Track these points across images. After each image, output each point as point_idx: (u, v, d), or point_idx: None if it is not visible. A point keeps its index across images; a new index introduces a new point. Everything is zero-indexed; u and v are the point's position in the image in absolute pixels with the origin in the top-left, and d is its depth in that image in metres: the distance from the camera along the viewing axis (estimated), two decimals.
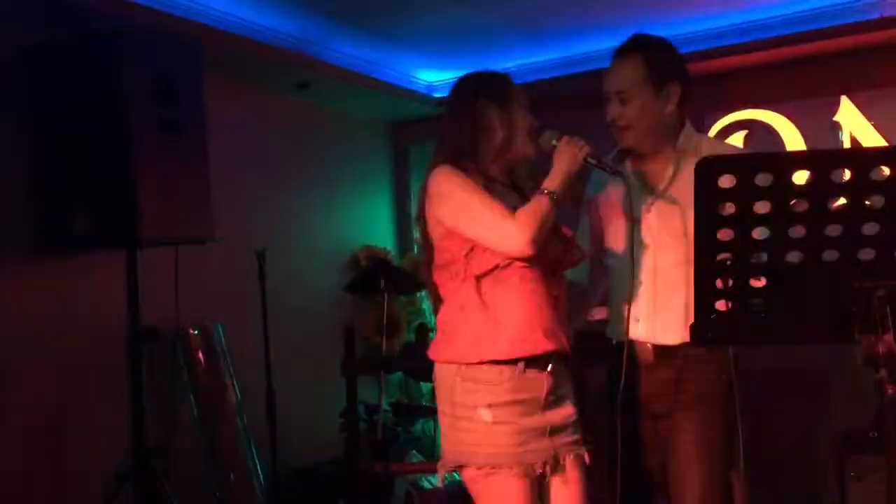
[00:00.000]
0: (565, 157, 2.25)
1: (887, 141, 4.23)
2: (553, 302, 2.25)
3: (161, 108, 3.02)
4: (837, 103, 4.37)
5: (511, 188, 2.35)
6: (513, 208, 2.19)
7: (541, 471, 2.18)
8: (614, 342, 2.43)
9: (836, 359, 3.32)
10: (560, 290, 2.30)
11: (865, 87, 4.33)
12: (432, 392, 4.82)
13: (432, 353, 2.27)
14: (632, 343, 2.34)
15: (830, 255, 1.47)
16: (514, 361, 2.15)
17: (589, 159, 2.27)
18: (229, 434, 3.65)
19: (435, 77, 5.06)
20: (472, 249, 2.19)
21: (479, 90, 2.32)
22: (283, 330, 3.82)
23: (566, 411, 2.24)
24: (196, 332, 3.65)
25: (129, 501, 2.98)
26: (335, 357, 3.57)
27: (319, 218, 4.73)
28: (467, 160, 2.25)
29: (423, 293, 4.95)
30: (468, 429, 2.17)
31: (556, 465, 2.21)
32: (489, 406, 2.15)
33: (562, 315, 2.28)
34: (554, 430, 2.20)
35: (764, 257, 1.49)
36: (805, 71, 4.47)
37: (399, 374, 4.81)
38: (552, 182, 2.21)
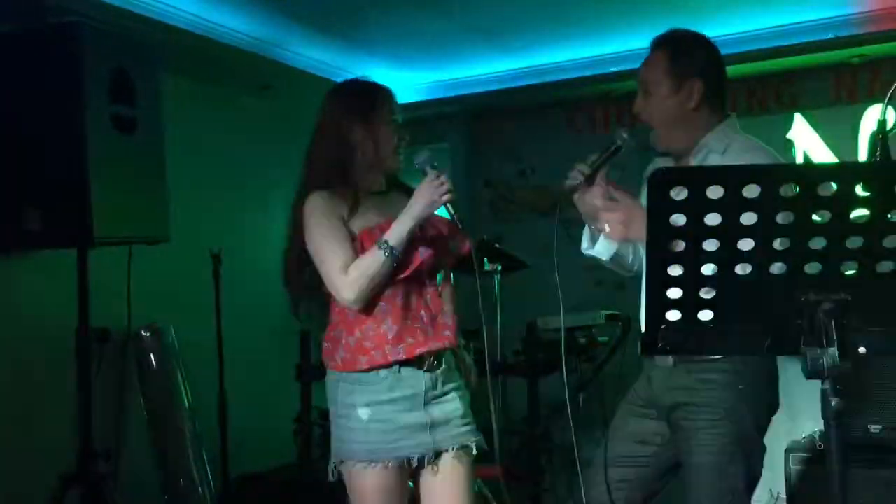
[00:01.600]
0: (422, 200, 2.27)
1: (839, 157, 4.33)
2: (430, 305, 2.36)
3: (117, 107, 2.98)
4: (791, 120, 4.46)
5: (396, 188, 2.43)
6: (393, 214, 2.28)
7: (416, 464, 2.29)
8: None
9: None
10: (444, 287, 2.41)
11: (818, 105, 4.43)
12: None
13: (324, 360, 2.39)
14: None
15: (778, 269, 1.49)
16: (388, 365, 2.27)
17: (449, 207, 2.30)
18: (180, 438, 3.61)
19: (398, 82, 5.06)
20: None
21: (342, 107, 2.38)
22: (237, 333, 3.78)
23: (451, 406, 2.35)
24: (148, 333, 3.60)
25: None
26: (290, 361, 3.55)
27: (278, 220, 4.68)
28: (338, 180, 2.33)
29: None
30: (347, 426, 2.29)
31: (437, 458, 2.32)
32: (367, 405, 2.27)
33: (443, 314, 2.38)
34: (435, 425, 2.31)
35: (713, 269, 1.51)
36: (759, 88, 4.57)
37: None
38: (394, 236, 2.23)
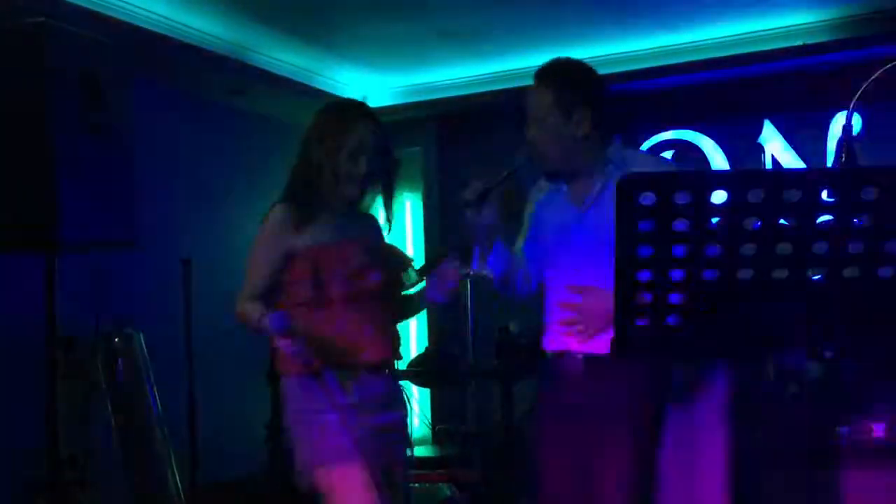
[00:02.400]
0: (274, 325, 2.28)
1: (807, 164, 4.38)
2: (380, 320, 2.43)
3: (86, 109, 2.93)
4: (761, 126, 4.51)
5: (362, 212, 2.50)
6: (355, 235, 2.39)
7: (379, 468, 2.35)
8: (549, 354, 2.45)
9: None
10: (395, 307, 2.51)
11: (788, 111, 4.48)
12: None
13: (280, 366, 2.42)
14: (565, 354, 2.37)
15: (745, 274, 1.50)
16: (351, 367, 2.34)
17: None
18: (148, 445, 3.56)
19: (370, 86, 5.06)
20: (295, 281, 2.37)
21: (314, 124, 2.43)
22: (207, 339, 3.74)
23: (394, 416, 2.43)
24: (116, 339, 3.55)
25: None
26: (261, 368, 3.52)
27: (250, 226, 4.64)
28: (301, 196, 2.38)
29: None
30: (311, 432, 2.34)
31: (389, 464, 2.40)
32: (333, 408, 2.31)
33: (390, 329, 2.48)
34: (385, 432, 2.38)
35: (682, 275, 1.51)
36: (731, 93, 4.61)
37: None
38: (272, 324, 2.26)
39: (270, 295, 2.39)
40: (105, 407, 3.56)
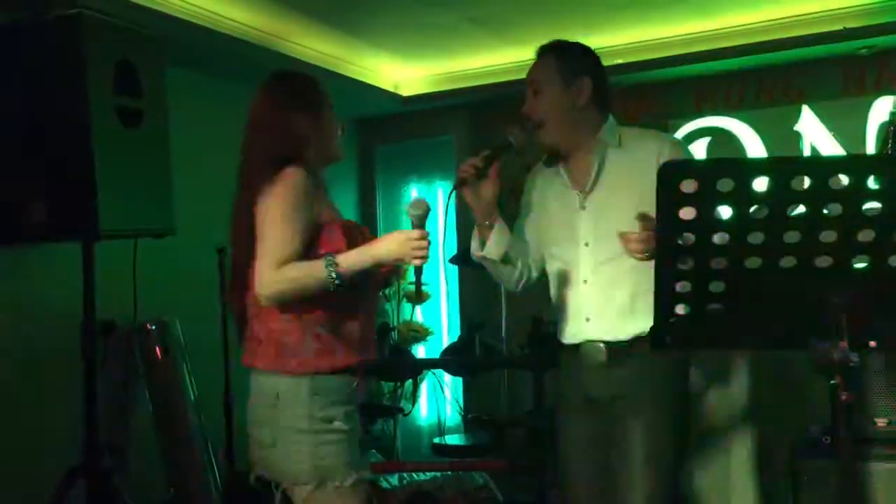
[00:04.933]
0: (392, 248, 2.12)
1: (846, 150, 4.31)
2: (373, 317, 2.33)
3: (122, 99, 2.96)
4: (799, 112, 4.44)
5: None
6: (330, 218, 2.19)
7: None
8: (565, 344, 2.44)
9: (789, 363, 3.36)
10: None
11: (826, 97, 4.41)
12: (393, 391, 4.84)
13: (271, 363, 2.21)
14: (584, 343, 2.36)
15: (788, 262, 1.48)
16: (351, 370, 2.18)
17: (415, 273, 2.17)
18: (185, 431, 3.60)
19: (402, 75, 5.05)
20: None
21: (285, 98, 2.29)
22: None
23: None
24: (153, 326, 3.60)
25: (80, 498, 2.92)
26: None
27: None
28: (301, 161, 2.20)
29: (388, 292, 4.94)
30: (327, 441, 2.14)
31: None
32: (344, 415, 2.17)
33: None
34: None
35: (724, 262, 1.50)
36: (768, 80, 4.54)
37: None
38: (349, 260, 2.09)
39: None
40: (142, 394, 3.61)
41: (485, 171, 2.30)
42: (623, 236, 2.14)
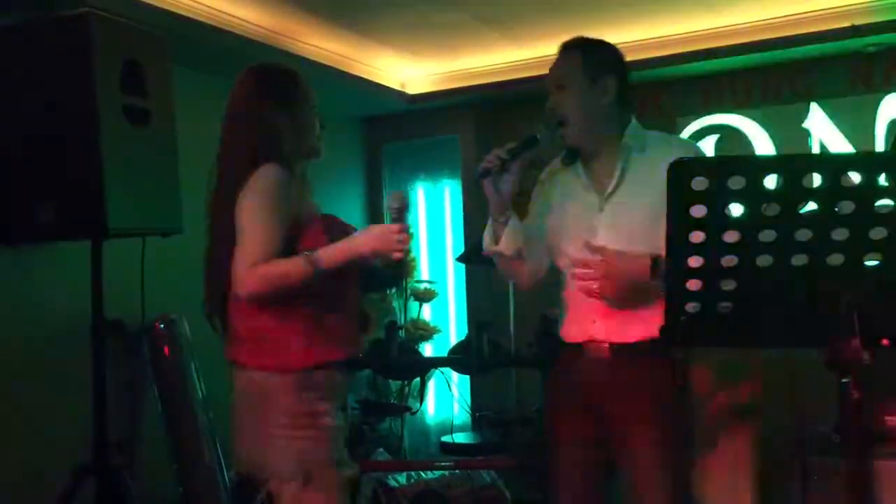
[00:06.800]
0: (371, 242, 2.12)
1: (854, 148, 4.29)
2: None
3: (129, 98, 2.97)
4: (807, 110, 4.43)
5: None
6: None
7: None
8: (568, 343, 2.42)
9: (790, 360, 3.36)
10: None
11: (834, 95, 4.39)
12: (401, 389, 4.84)
13: (255, 360, 2.20)
14: (588, 344, 2.34)
15: (800, 260, 1.48)
16: (335, 365, 2.18)
17: (395, 266, 2.17)
18: (194, 429, 3.61)
19: (409, 73, 5.05)
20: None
21: (264, 92, 2.26)
22: None
23: None
24: (162, 325, 3.60)
25: (89, 497, 2.93)
26: None
27: None
28: (279, 157, 2.18)
29: (394, 291, 4.94)
30: (313, 437, 2.14)
31: None
32: (329, 410, 2.17)
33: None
34: None
35: (734, 260, 1.49)
36: (775, 77, 4.53)
37: (367, 371, 4.79)
38: (328, 255, 2.09)
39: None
40: (150, 392, 3.62)
41: (509, 164, 2.28)
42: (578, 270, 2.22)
